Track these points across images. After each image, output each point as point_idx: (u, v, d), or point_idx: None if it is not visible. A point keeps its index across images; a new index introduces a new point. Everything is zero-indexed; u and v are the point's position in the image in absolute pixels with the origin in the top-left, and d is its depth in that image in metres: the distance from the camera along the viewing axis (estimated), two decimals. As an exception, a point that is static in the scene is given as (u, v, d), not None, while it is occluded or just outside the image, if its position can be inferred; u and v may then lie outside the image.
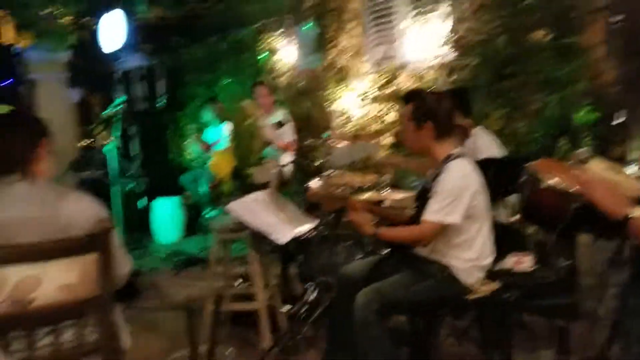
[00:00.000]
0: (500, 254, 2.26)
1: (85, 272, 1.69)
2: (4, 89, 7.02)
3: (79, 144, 7.00)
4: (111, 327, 1.75)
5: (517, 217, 1.72)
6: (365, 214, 2.38)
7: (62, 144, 6.01)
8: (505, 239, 2.31)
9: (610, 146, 3.41)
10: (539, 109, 3.68)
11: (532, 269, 2.09)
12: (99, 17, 8.26)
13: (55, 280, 1.66)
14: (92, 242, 1.69)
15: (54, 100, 7.15)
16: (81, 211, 1.77)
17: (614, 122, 3.37)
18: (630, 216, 1.25)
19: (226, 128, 5.24)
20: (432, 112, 2.40)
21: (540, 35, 3.71)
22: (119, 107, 4.95)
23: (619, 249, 2.10)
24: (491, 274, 2.24)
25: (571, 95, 3.47)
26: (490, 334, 2.74)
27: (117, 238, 1.86)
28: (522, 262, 2.10)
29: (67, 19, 7.44)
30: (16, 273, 1.61)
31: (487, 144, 3.24)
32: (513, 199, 2.70)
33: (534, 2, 3.60)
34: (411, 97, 2.47)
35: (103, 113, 4.82)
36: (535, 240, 1.75)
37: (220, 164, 3.24)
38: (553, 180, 1.66)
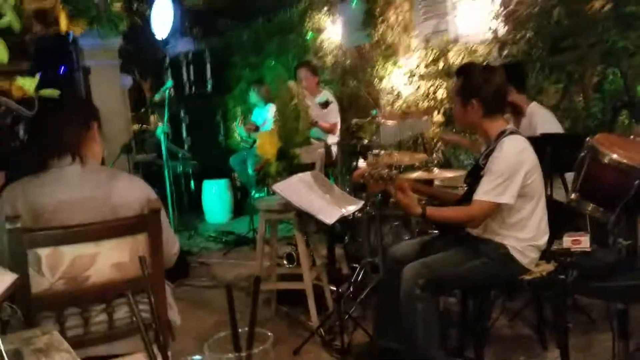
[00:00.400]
0: (557, 233, 2.17)
1: (136, 252, 1.73)
2: (61, 75, 7.26)
3: (132, 128, 7.20)
4: (162, 305, 1.78)
5: (575, 195, 1.63)
6: (412, 194, 2.31)
7: (115, 129, 6.19)
8: (562, 218, 2.21)
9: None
10: (598, 83, 3.49)
11: (590, 249, 1.99)
12: (149, 3, 8.43)
13: (108, 259, 1.70)
14: (142, 223, 1.72)
15: (108, 86, 7.35)
16: (131, 192, 1.81)
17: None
18: None
19: (272, 109, 5.27)
20: (478, 89, 2.31)
21: (599, 4, 3.50)
22: (166, 92, 5.03)
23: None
24: (547, 254, 2.15)
25: (634, 67, 3.26)
26: (545, 316, 2.66)
27: (166, 219, 1.89)
28: (580, 242, 2.00)
29: (118, 6, 7.61)
30: (72, 252, 1.66)
31: (543, 119, 3.11)
32: (571, 176, 2.59)
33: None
34: (461, 72, 2.39)
35: (152, 97, 4.89)
36: (593, 219, 1.65)
37: (266, 145, 3.23)
38: (614, 156, 1.56)
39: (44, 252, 1.62)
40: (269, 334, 0.73)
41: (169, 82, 5.09)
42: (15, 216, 1.59)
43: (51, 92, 1.31)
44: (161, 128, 4.91)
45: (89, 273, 1.69)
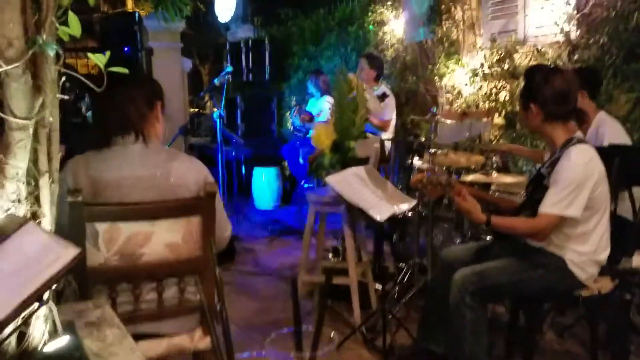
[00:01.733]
0: (624, 251, 2.05)
1: (189, 233, 1.75)
2: (126, 54, 7.46)
3: (189, 111, 7.35)
4: (211, 288, 1.79)
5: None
6: (473, 199, 2.23)
7: (173, 110, 6.33)
8: (631, 235, 2.08)
9: None
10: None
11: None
12: (214, -12, 8.55)
13: (162, 238, 1.72)
14: (197, 205, 1.73)
15: (169, 68, 7.52)
16: (190, 173, 1.82)
17: None
18: None
19: (329, 100, 5.24)
20: (536, 93, 2.20)
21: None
22: (225, 77, 5.08)
23: None
24: (612, 271, 2.04)
25: None
26: (599, 335, 2.54)
27: (220, 202, 1.90)
28: None
29: (183, -10, 7.76)
30: (128, 228, 1.69)
31: (612, 130, 2.95)
32: (639, 192, 2.45)
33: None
34: (526, 74, 2.28)
35: (213, 81, 4.96)
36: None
37: (321, 136, 3.20)
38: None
39: (102, 227, 1.66)
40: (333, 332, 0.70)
41: (229, 68, 5.13)
42: (77, 189, 1.63)
43: (121, 69, 1.32)
44: (217, 112, 4.96)
45: (143, 251, 1.71)
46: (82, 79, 1.39)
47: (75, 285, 1.69)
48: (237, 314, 3.41)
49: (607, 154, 2.47)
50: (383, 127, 4.64)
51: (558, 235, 2.20)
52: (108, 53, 1.30)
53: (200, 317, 1.84)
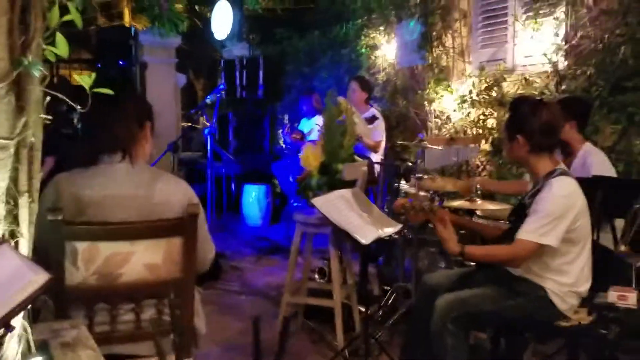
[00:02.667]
0: (602, 284, 2.06)
1: (169, 254, 1.74)
2: (120, 68, 7.49)
3: (181, 125, 7.36)
4: (189, 311, 1.79)
5: (625, 247, 1.54)
6: (452, 229, 2.25)
7: (165, 125, 6.35)
8: (610, 269, 2.10)
9: None
10: (660, 128, 3.35)
11: (637, 307, 1.89)
12: (211, 5, 8.62)
13: (141, 259, 1.72)
14: (179, 226, 1.73)
15: (162, 83, 7.55)
16: (174, 194, 1.82)
17: None
18: None
19: (319, 121, 5.27)
20: (523, 124, 2.23)
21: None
22: (218, 95, 5.11)
23: None
24: (589, 305, 2.06)
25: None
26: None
27: (204, 223, 1.90)
28: (626, 297, 1.90)
29: (180, 7, 7.82)
30: (108, 248, 1.68)
31: (598, 161, 2.98)
32: (621, 224, 2.47)
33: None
34: (511, 106, 2.31)
35: (205, 98, 4.98)
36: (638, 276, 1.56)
37: (310, 157, 3.22)
38: (673, 212, 1.47)
39: (81, 246, 1.66)
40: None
41: (222, 85, 5.17)
42: (58, 208, 1.63)
43: (106, 91, 1.33)
44: (208, 129, 4.98)
45: (122, 271, 1.71)
46: (67, 100, 1.40)
47: (52, 304, 1.69)
48: (219, 334, 3.38)
49: (591, 185, 2.50)
50: (374, 148, 4.68)
51: (539, 265, 2.21)
52: (93, 75, 1.31)
53: (178, 340, 1.82)
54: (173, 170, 4.87)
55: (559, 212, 2.11)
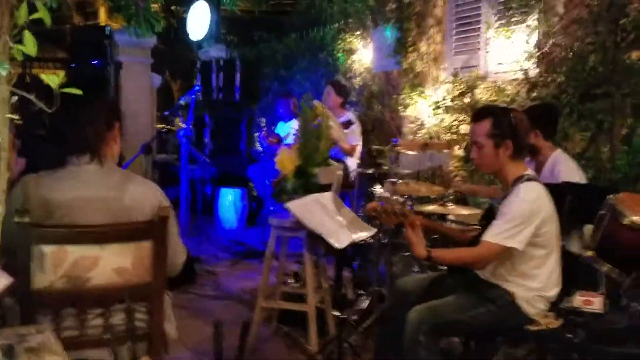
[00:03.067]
0: (569, 289, 2.11)
1: (139, 258, 1.72)
2: (94, 67, 7.38)
3: (156, 127, 7.28)
4: (159, 316, 1.77)
5: (592, 252, 1.58)
6: (420, 234, 2.27)
7: (140, 126, 6.27)
8: (576, 274, 2.15)
9: None
10: (627, 135, 3.42)
11: (602, 311, 1.93)
12: (187, 5, 8.56)
13: (110, 263, 1.69)
14: (149, 230, 1.71)
15: (137, 83, 7.46)
16: (145, 196, 1.80)
17: None
18: None
19: (295, 125, 5.27)
20: (514, 130, 2.27)
21: (636, 55, 3.45)
22: (193, 95, 5.07)
23: None
24: (555, 310, 2.09)
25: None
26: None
27: (175, 227, 1.88)
28: (592, 302, 1.94)
29: (157, 6, 7.74)
30: (76, 251, 1.65)
31: (567, 168, 3.04)
32: (589, 229, 2.52)
33: (636, 20, 3.34)
34: (487, 114, 2.33)
35: (180, 99, 4.94)
36: (609, 280, 1.59)
37: (285, 160, 3.22)
38: (635, 218, 1.51)
39: (49, 249, 1.62)
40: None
41: (197, 87, 5.13)
42: (25, 210, 1.59)
43: (75, 91, 1.30)
44: (183, 131, 4.93)
45: (90, 275, 1.68)
46: (34, 99, 1.37)
47: (19, 308, 1.65)
48: (191, 338, 3.34)
49: (561, 191, 2.55)
50: (351, 152, 4.70)
51: (505, 268, 2.25)
52: (62, 74, 1.29)
53: (148, 345, 1.80)
54: (146, 172, 4.82)
55: (525, 216, 2.15)
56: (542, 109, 3.33)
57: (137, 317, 1.77)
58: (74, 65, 7.42)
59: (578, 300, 1.97)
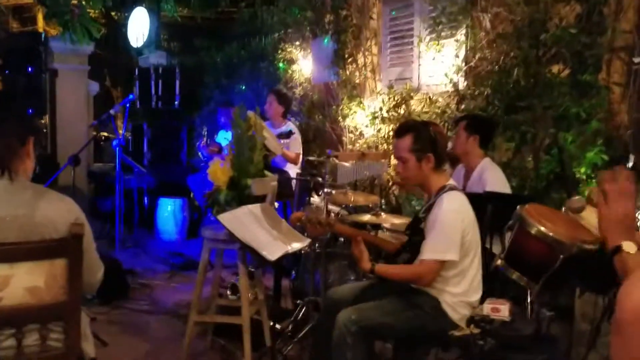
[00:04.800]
0: (487, 296, 2.19)
1: (52, 277, 1.67)
2: (27, 75, 7.13)
3: (92, 136, 7.06)
4: (75, 335, 1.71)
5: (501, 261, 1.65)
6: (364, 248, 2.36)
7: (76, 134, 6.08)
8: (494, 280, 2.24)
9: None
10: (549, 145, 3.59)
11: (510, 318, 2.01)
12: (126, 12, 8.37)
13: (22, 282, 1.63)
14: (62, 247, 1.66)
15: (73, 91, 7.25)
16: (59, 213, 1.74)
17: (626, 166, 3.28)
18: (621, 246, 1.12)
19: (230, 135, 5.25)
20: (434, 143, 2.36)
21: (557, 69, 3.63)
22: (127, 104, 4.96)
23: (611, 302, 2.01)
24: (471, 319, 2.17)
25: (583, 134, 3.37)
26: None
27: (92, 243, 1.83)
28: (499, 310, 2.02)
29: (94, 12, 7.54)
30: (-16, 271, 1.59)
31: (494, 177, 3.17)
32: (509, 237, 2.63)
33: (555, 36, 3.52)
34: (406, 130, 2.41)
35: (107, 112, 4.80)
36: (517, 288, 1.67)
37: (217, 172, 3.19)
38: (541, 228, 1.59)
39: (-45, 269, 1.55)
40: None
41: (131, 96, 5.01)
42: None
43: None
44: (117, 140, 4.81)
45: (1, 295, 1.61)
46: None
47: None
48: (124, 356, 3.26)
49: (482, 200, 2.66)
50: (294, 161, 4.71)
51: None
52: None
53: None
54: (73, 184, 4.65)
55: (451, 225, 2.23)
56: (487, 120, 3.50)
57: (52, 337, 1.72)
58: (7, 72, 7.13)
59: (487, 308, 2.05)
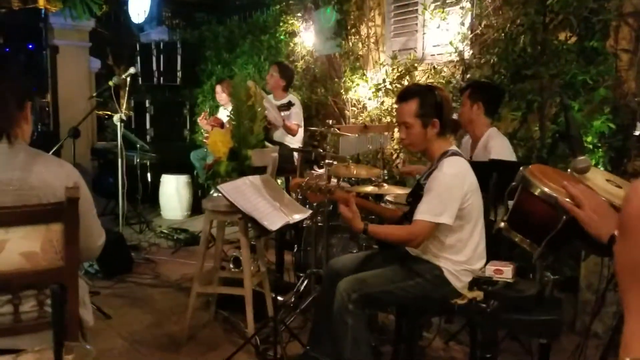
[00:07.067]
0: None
1: (49, 242, 1.64)
2: (29, 51, 7.08)
3: (94, 113, 7.02)
4: (74, 302, 1.70)
5: (504, 224, 1.61)
6: (355, 208, 2.29)
7: (78, 111, 6.04)
8: (500, 245, 2.20)
9: (625, 159, 3.26)
10: (556, 114, 3.53)
11: (513, 280, 1.98)
12: (127, -13, 8.27)
13: (17, 247, 1.61)
14: (58, 211, 1.63)
15: (74, 67, 7.19)
16: (56, 177, 1.71)
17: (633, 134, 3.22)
18: (615, 235, 1.12)
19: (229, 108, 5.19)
20: (440, 108, 2.30)
21: (563, 36, 3.55)
22: (126, 79, 4.89)
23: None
24: (473, 281, 2.15)
25: (591, 103, 3.30)
26: (478, 341, 2.65)
27: (91, 208, 1.81)
28: (502, 272, 1.99)
29: (96, -13, 7.45)
30: (-21, 236, 1.56)
31: (499, 146, 3.11)
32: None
33: (562, 1, 3.42)
34: (412, 94, 2.35)
35: (109, 82, 4.73)
36: (520, 250, 1.64)
37: (218, 143, 3.16)
38: (545, 189, 1.55)
39: (-51, 235, 1.53)
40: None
41: (132, 69, 4.95)
42: None
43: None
44: (118, 116, 4.77)
45: (-3, 260, 1.59)
46: None
47: None
48: (127, 328, 3.27)
49: (487, 168, 2.61)
50: (293, 131, 4.63)
51: (434, 244, 2.29)
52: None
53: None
54: (74, 158, 4.62)
55: (450, 190, 2.19)
56: (491, 86, 3.40)
57: (49, 303, 1.70)
58: (7, 50, 7.08)
59: (490, 269, 2.02)
